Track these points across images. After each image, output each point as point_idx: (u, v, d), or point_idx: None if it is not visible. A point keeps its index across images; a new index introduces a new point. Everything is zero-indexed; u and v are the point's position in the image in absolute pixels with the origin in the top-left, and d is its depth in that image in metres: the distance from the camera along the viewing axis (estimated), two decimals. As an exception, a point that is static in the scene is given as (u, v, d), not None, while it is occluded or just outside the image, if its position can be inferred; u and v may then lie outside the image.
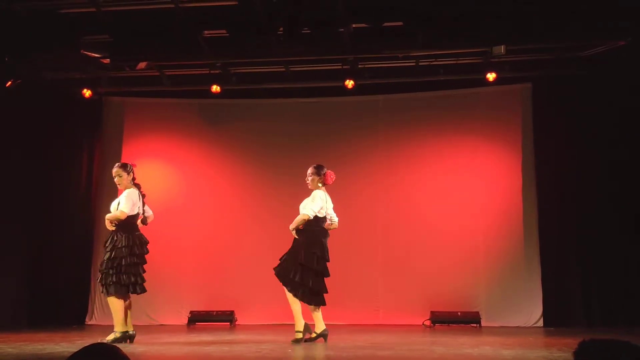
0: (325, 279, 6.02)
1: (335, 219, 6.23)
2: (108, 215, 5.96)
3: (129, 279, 5.77)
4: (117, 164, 6.16)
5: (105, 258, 5.81)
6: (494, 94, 8.79)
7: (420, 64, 8.24)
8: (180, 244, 8.94)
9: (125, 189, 6.00)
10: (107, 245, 5.88)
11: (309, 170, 6.16)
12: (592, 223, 8.13)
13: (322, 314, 6.02)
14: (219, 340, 6.31)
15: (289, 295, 5.94)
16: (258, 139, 9.16)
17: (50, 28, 7.17)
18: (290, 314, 6.01)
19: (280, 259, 6.09)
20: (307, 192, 6.13)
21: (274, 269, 6.08)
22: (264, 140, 9.13)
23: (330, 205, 6.14)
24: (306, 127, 9.08)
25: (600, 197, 8.13)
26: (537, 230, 8.40)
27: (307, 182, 6.15)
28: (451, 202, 8.71)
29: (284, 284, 5.98)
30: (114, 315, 5.82)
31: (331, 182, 6.13)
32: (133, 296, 5.97)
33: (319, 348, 5.45)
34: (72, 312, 8.63)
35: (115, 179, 6.06)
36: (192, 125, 9.31)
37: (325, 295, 6.01)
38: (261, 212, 8.92)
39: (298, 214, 6.06)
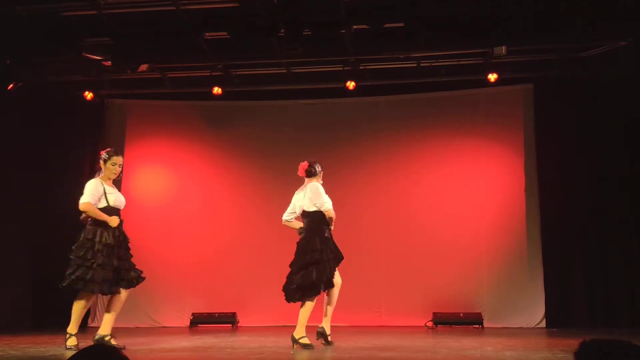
0: None
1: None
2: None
3: None
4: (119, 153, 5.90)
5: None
6: (496, 94, 8.79)
7: (422, 65, 8.26)
8: (182, 246, 8.95)
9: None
10: (99, 243, 5.61)
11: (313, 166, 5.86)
12: (594, 223, 8.13)
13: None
14: (221, 342, 6.30)
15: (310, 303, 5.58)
16: (259, 140, 9.17)
17: (52, 31, 7.19)
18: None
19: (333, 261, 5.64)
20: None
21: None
22: (265, 141, 9.14)
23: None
24: (308, 129, 9.08)
25: (602, 197, 8.12)
26: (540, 231, 8.39)
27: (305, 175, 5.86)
28: (453, 203, 8.70)
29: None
30: (78, 315, 5.47)
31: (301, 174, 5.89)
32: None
33: (321, 350, 5.44)
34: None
35: (120, 169, 5.85)
36: (194, 127, 9.33)
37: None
38: (263, 213, 8.90)
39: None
